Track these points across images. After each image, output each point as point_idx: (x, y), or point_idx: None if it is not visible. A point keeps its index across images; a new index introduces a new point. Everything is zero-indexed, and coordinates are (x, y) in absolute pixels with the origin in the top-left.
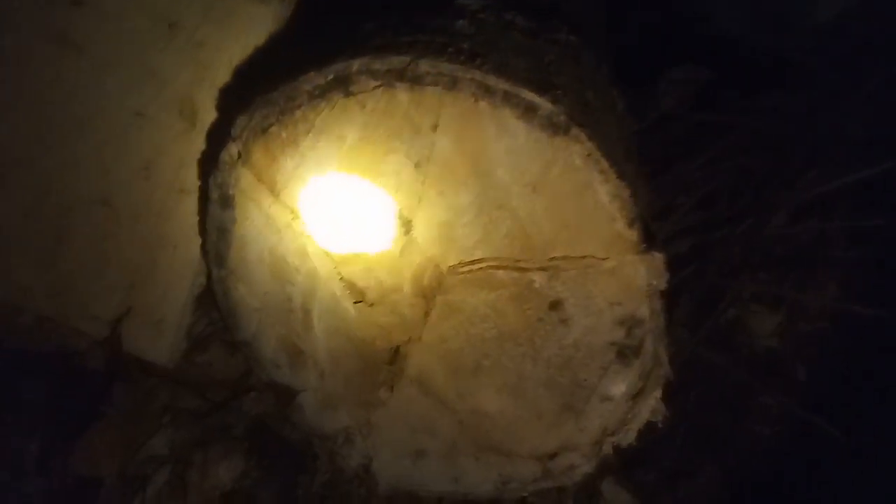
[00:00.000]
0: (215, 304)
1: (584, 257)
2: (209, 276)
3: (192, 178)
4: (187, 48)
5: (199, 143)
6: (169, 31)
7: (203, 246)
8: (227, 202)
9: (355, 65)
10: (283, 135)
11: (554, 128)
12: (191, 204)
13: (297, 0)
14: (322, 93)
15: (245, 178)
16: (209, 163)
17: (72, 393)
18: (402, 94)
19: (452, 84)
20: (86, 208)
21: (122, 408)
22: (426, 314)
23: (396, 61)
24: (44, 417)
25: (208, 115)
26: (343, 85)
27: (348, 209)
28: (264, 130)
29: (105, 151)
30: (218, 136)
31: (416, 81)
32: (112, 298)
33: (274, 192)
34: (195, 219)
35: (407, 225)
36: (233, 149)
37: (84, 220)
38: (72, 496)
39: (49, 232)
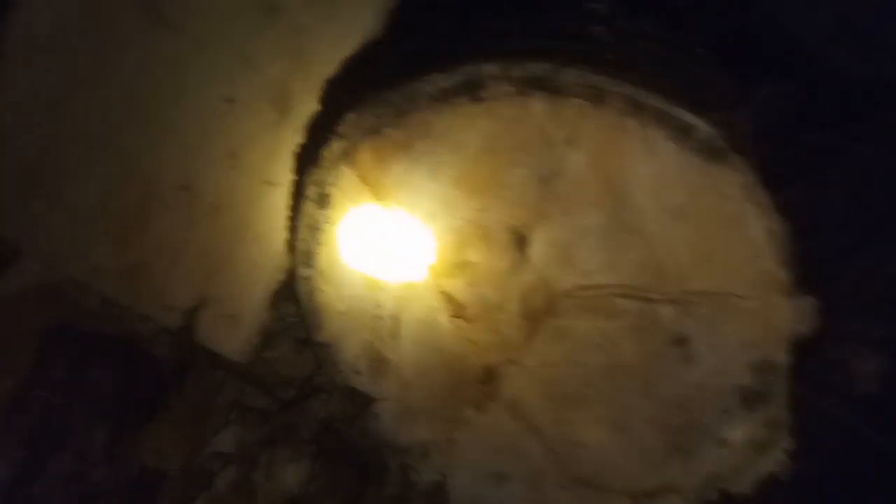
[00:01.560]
0: (292, 301)
1: (722, 294)
2: (290, 273)
3: (279, 170)
4: (285, 34)
5: (289, 134)
6: (268, 15)
7: (290, 242)
8: (324, 201)
9: (488, 69)
10: (397, 137)
11: (710, 153)
12: (276, 196)
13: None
14: (447, 96)
15: (347, 178)
16: (307, 157)
17: (139, 380)
18: (538, 105)
19: (598, 98)
20: (168, 192)
21: (190, 400)
22: (531, 336)
23: (537, 68)
24: (112, 404)
25: (301, 106)
26: (472, 90)
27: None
28: (376, 131)
29: (192, 136)
30: (319, 131)
31: (557, 92)
32: (187, 288)
33: (378, 195)
34: (280, 212)
35: (521, 241)
36: (336, 146)
37: (165, 205)
38: (136, 486)
39: (129, 214)
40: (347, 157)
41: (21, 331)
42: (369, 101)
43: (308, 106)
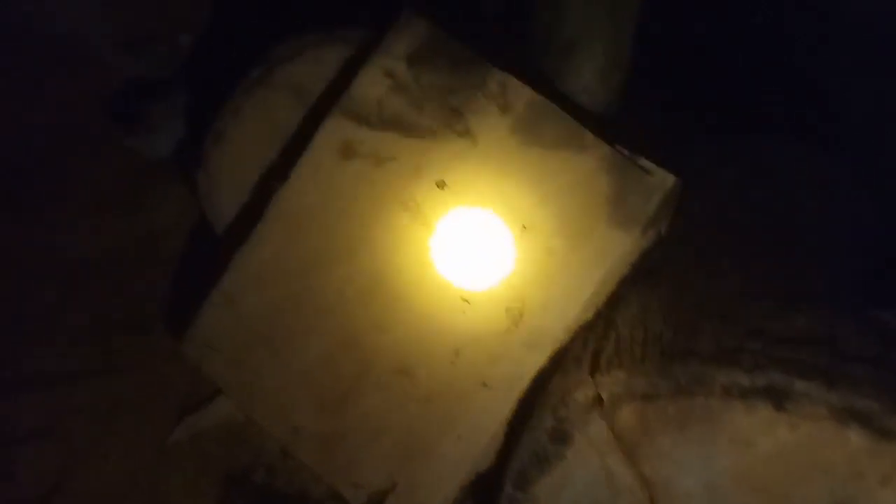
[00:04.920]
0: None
1: None
2: (488, 481)
3: (497, 376)
4: (534, 251)
5: (514, 345)
6: (522, 231)
7: (503, 455)
8: (561, 438)
9: (800, 385)
10: (672, 412)
11: None
12: (490, 400)
13: (666, 241)
14: (743, 395)
15: (596, 427)
16: (547, 386)
17: None
18: (856, 437)
19: None
20: (384, 373)
21: None
22: None
23: (863, 406)
24: None
25: (535, 323)
26: (775, 398)
27: None
28: (647, 398)
29: (421, 325)
30: (571, 366)
31: (883, 434)
32: (380, 469)
33: (631, 456)
34: (490, 416)
35: None
36: (591, 392)
37: (379, 384)
38: None
39: (341, 384)
40: (602, 407)
41: (206, 472)
42: (646, 368)
43: (543, 325)
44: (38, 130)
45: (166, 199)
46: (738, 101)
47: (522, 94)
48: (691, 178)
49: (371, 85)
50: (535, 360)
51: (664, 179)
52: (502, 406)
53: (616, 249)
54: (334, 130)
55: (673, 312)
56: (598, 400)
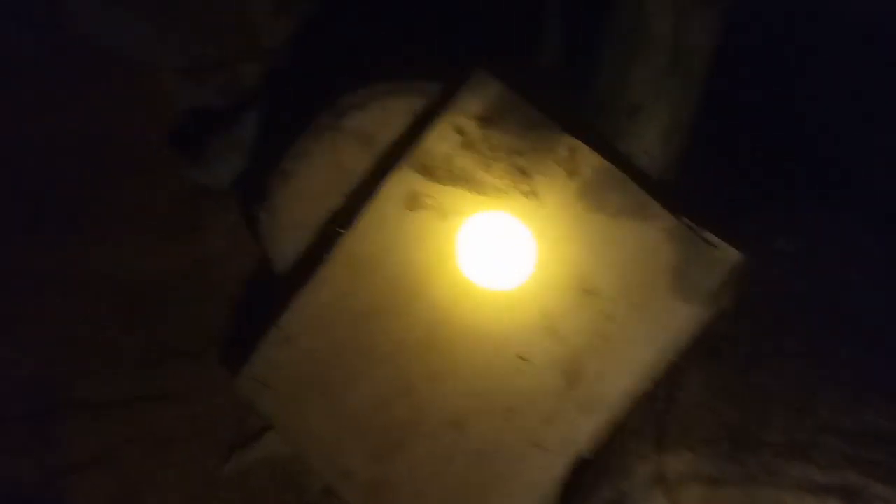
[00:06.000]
0: None
1: None
2: None
3: (551, 437)
4: (595, 317)
5: (569, 407)
6: (584, 296)
7: None
8: None
9: (876, 488)
10: (738, 498)
11: None
12: (542, 460)
13: (729, 316)
14: (815, 490)
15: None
16: (606, 455)
17: None
18: None
19: None
20: (437, 424)
21: None
22: None
23: None
24: None
25: (590, 385)
26: (848, 498)
27: None
28: (714, 482)
29: (476, 380)
30: (631, 439)
31: None
32: None
33: None
34: (541, 477)
35: None
36: (654, 468)
37: (430, 434)
38: None
39: (393, 431)
40: (666, 486)
41: None
42: (712, 451)
43: (599, 390)
44: (97, 153)
45: (221, 226)
46: (802, 168)
47: (591, 160)
48: (752, 247)
49: (441, 140)
50: (590, 425)
51: (729, 255)
52: (554, 467)
53: (677, 321)
54: (402, 181)
55: (739, 394)
56: (661, 477)
